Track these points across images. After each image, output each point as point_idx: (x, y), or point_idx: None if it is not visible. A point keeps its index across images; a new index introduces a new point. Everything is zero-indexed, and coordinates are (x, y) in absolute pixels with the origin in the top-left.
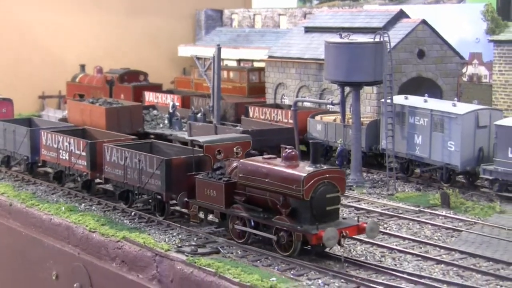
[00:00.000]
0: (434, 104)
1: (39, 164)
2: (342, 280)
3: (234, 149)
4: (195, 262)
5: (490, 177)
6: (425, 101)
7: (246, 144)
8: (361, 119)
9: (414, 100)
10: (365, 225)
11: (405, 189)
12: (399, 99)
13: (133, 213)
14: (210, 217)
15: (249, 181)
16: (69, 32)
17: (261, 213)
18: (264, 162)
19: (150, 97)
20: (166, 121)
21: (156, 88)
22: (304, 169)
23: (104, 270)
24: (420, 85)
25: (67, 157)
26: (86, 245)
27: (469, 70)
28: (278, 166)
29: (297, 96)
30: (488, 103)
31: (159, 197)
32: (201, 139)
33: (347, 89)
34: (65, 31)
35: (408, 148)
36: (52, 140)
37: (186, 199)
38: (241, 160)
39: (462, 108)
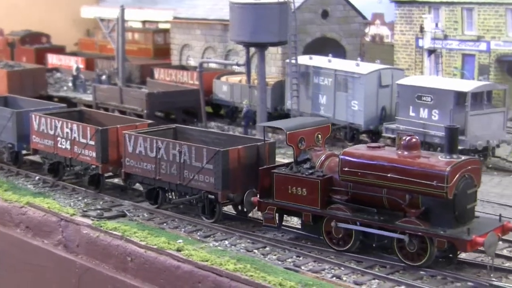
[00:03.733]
0: (338, 64)
1: (26, 153)
2: (249, 241)
3: (315, 136)
4: (101, 226)
5: (393, 135)
6: (329, 61)
7: (326, 129)
8: (266, 79)
9: (318, 60)
10: (510, 224)
11: None
12: (303, 60)
13: (37, 178)
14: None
15: (358, 176)
16: None
17: (375, 215)
18: (377, 153)
19: (53, 59)
20: (70, 84)
21: (59, 50)
22: (441, 161)
23: (8, 236)
24: (324, 45)
25: (68, 147)
26: None
27: (372, 30)
28: (403, 157)
29: (202, 58)
30: (390, 63)
31: (211, 196)
32: (281, 124)
33: (252, 50)
34: None
35: (313, 108)
36: (48, 125)
37: (260, 199)
38: (344, 150)
39: (365, 68)
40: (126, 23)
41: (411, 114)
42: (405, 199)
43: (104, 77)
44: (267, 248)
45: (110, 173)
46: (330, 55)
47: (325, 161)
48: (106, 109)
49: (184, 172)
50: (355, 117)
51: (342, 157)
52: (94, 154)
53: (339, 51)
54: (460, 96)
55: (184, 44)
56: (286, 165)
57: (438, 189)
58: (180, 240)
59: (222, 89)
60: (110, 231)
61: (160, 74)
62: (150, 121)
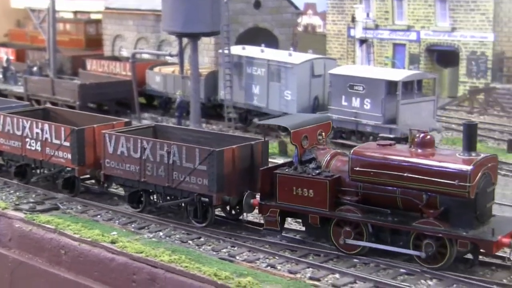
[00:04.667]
0: (271, 54)
1: None
2: (183, 232)
3: (317, 133)
4: (34, 220)
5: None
6: (262, 51)
7: (328, 126)
8: (200, 70)
9: (251, 51)
10: None
11: None
12: (236, 50)
13: None
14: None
15: (370, 176)
16: None
17: (388, 216)
18: (391, 151)
19: None
20: (0, 76)
21: None
22: (461, 159)
23: None
24: (256, 36)
25: (39, 148)
26: None
27: (304, 20)
28: (419, 155)
29: (135, 48)
30: (323, 53)
31: (205, 199)
32: (283, 122)
33: (185, 40)
34: None
35: (246, 98)
36: (14, 125)
37: (261, 201)
38: (355, 149)
39: (298, 57)
40: (57, 14)
41: (344, 103)
42: (422, 199)
43: (35, 68)
44: (202, 239)
45: (86, 176)
46: (262, 45)
47: (331, 160)
48: (38, 101)
49: (173, 173)
50: (288, 107)
51: (352, 156)
52: (69, 156)
53: (271, 41)
54: (391, 85)
55: (117, 35)
56: (287, 165)
57: (460, 189)
58: (114, 232)
59: (155, 80)
60: (43, 225)
61: (93, 65)
62: (126, 120)
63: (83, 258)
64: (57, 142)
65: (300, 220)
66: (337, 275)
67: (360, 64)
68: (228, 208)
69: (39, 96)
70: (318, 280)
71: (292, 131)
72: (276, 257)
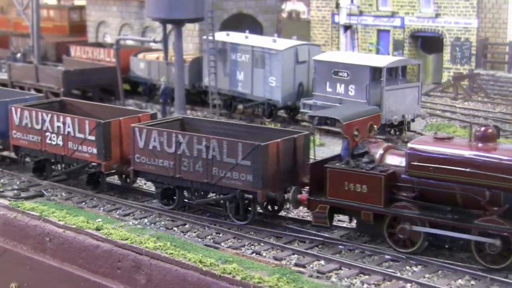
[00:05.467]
0: (255, 40)
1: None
2: (168, 219)
3: (368, 126)
4: (19, 207)
5: (310, 111)
6: (246, 37)
7: (377, 118)
8: (184, 56)
9: (235, 37)
10: None
11: None
12: (220, 36)
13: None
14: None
15: (429, 171)
16: None
17: (448, 213)
18: (450, 145)
19: None
20: None
21: None
22: None
23: None
24: (241, 22)
25: (60, 143)
26: None
27: (288, 6)
28: (481, 150)
29: (119, 35)
30: (307, 39)
31: (249, 196)
32: (335, 114)
33: (169, 26)
34: None
35: (231, 84)
36: (33, 119)
37: (310, 197)
38: (411, 144)
39: (282, 44)
40: (40, 0)
41: (328, 89)
42: (485, 196)
43: (19, 55)
44: (187, 226)
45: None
46: (247, 31)
47: (384, 154)
48: (22, 88)
49: (213, 169)
50: (273, 94)
51: (409, 151)
52: (94, 151)
53: (255, 28)
54: (375, 72)
55: (100, 21)
56: (336, 158)
57: None
58: (99, 219)
59: (140, 66)
60: (28, 212)
61: (76, 52)
62: (152, 112)
63: (67, 245)
64: (81, 136)
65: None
66: (322, 262)
67: (344, 50)
68: (268, 204)
69: (23, 82)
70: (304, 266)
71: (344, 123)
72: (261, 244)
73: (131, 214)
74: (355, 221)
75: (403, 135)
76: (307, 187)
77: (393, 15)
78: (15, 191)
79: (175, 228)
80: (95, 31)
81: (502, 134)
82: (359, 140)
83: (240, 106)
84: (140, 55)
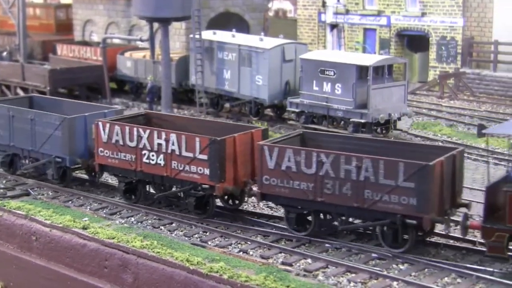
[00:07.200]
0: (242, 39)
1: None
2: (155, 217)
3: None
4: (5, 206)
5: (297, 110)
6: (233, 36)
7: None
8: (171, 55)
9: (222, 35)
10: None
11: None
12: (207, 35)
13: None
14: None
15: None
16: None
17: None
18: None
19: None
20: None
21: None
22: None
23: None
24: (227, 20)
25: (162, 162)
26: None
27: (275, 5)
28: None
29: (106, 33)
30: (294, 37)
31: (411, 222)
32: None
33: (156, 25)
34: None
35: (218, 83)
36: (126, 135)
37: (484, 224)
38: None
39: (269, 42)
40: None
41: (315, 88)
42: None
43: (5, 53)
44: (174, 224)
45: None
46: (233, 30)
47: None
48: (8, 86)
49: (365, 192)
50: (260, 92)
51: None
52: (206, 171)
53: (242, 26)
54: (362, 70)
55: (87, 20)
56: (506, 179)
57: None
58: (86, 218)
59: (126, 64)
60: (14, 211)
61: (63, 50)
62: (263, 127)
63: (54, 244)
64: (189, 155)
65: None
66: (309, 260)
67: (331, 49)
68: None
69: (9, 81)
70: (290, 265)
71: None
72: (248, 243)
73: (117, 213)
74: None
75: (389, 133)
76: (463, 209)
77: (379, 14)
78: (1, 190)
79: (162, 227)
80: (82, 30)
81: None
82: None
83: (227, 105)
84: (127, 54)
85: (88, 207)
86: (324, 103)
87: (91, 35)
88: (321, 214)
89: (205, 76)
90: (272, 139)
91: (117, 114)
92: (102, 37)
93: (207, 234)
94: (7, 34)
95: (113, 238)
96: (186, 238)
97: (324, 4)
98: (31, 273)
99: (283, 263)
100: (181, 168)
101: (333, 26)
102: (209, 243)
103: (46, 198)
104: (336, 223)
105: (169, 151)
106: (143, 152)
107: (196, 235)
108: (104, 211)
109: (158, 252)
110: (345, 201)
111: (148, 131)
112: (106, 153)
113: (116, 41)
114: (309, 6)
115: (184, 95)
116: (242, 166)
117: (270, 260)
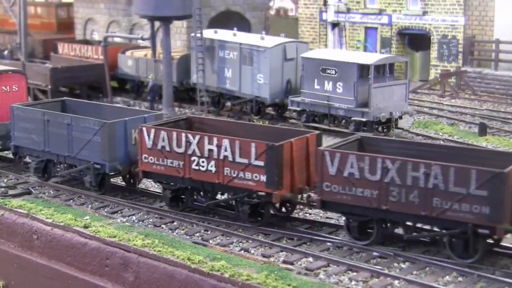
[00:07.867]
0: (243, 37)
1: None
2: (156, 216)
3: None
4: (6, 204)
5: (298, 108)
6: (234, 35)
7: None
8: (172, 54)
9: (223, 34)
10: None
11: None
12: (208, 33)
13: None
14: None
15: None
16: None
17: None
18: None
19: None
20: None
21: None
22: None
23: None
24: (229, 19)
25: (213, 168)
26: None
27: (276, 3)
28: None
29: (107, 32)
30: (295, 36)
31: (484, 231)
32: None
33: (157, 23)
34: None
35: (219, 82)
36: (173, 141)
37: None
38: None
39: (270, 41)
40: None
41: (316, 87)
42: None
43: (6, 52)
44: (175, 223)
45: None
46: (235, 28)
47: None
48: None
49: (433, 200)
50: (261, 91)
51: None
52: (263, 178)
53: (243, 25)
54: (363, 69)
55: (88, 18)
56: None
57: None
58: (87, 217)
59: (127, 63)
60: (15, 209)
61: (64, 49)
62: (317, 132)
63: (55, 242)
64: (243, 161)
65: None
66: (310, 259)
67: (332, 47)
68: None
69: None
70: (292, 263)
71: None
72: (250, 241)
73: (119, 212)
74: None
75: (390, 132)
76: None
77: (380, 12)
78: (3, 189)
79: (163, 226)
80: (83, 28)
81: (489, 132)
82: None
83: (228, 103)
84: (128, 52)
85: (90, 206)
86: (326, 102)
87: (92, 33)
88: (385, 222)
89: (206, 74)
90: (331, 144)
91: (156, 119)
92: (103, 36)
93: (209, 232)
94: (8, 32)
95: (114, 237)
96: (187, 237)
97: (325, 3)
98: (32, 272)
99: (284, 262)
100: (234, 175)
101: (334, 25)
102: (210, 241)
103: (47, 197)
104: (400, 231)
105: (221, 157)
106: (192, 158)
107: (197, 234)
108: (106, 210)
109: (159, 251)
110: (412, 210)
111: (198, 137)
112: (151, 159)
113: (117, 39)
114: (311, 4)
115: (185, 93)
116: (299, 172)
117: (271, 259)
